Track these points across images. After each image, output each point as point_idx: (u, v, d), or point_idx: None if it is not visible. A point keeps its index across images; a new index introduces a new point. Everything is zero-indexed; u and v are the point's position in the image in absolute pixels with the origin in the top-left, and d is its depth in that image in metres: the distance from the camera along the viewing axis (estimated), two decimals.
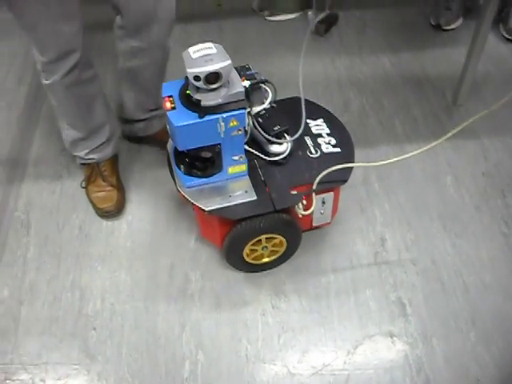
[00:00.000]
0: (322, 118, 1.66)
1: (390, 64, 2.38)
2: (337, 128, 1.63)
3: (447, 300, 1.62)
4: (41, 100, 2.24)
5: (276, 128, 1.46)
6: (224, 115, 1.30)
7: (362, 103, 2.22)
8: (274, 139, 1.46)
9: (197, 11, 2.69)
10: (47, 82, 1.59)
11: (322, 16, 2.55)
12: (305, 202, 1.45)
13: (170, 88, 1.35)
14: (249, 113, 1.39)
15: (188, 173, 1.46)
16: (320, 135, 1.60)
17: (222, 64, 1.24)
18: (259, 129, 1.45)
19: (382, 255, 1.72)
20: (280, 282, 1.66)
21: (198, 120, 1.29)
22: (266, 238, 1.53)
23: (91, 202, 1.84)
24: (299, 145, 1.55)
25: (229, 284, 1.66)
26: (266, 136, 1.45)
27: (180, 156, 1.46)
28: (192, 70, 1.23)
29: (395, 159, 1.44)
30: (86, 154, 1.82)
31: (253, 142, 1.51)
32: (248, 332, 1.56)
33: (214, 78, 1.25)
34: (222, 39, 2.47)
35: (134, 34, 1.63)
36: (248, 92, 1.35)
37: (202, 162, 1.45)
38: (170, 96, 1.34)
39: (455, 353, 1.52)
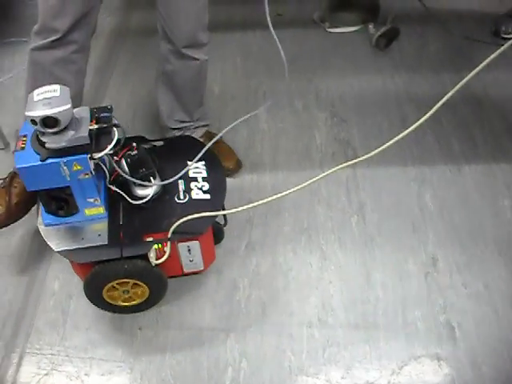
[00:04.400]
0: (205, 160, 1.57)
1: (451, 81, 2.34)
2: (215, 173, 1.57)
3: (499, 327, 1.57)
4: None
5: (141, 170, 1.43)
6: (65, 159, 1.29)
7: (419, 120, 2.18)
8: (138, 181, 1.41)
9: (256, 20, 2.71)
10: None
11: (383, 30, 2.53)
12: (167, 249, 1.40)
13: (28, 128, 1.33)
14: (115, 154, 1.37)
15: (49, 211, 1.45)
16: (195, 179, 1.54)
17: (58, 109, 1.23)
18: (125, 170, 1.42)
19: (432, 276, 1.68)
20: (328, 295, 1.65)
21: (39, 163, 1.28)
22: (128, 283, 1.47)
23: None
24: (170, 188, 1.50)
25: (276, 294, 1.66)
26: (128, 178, 1.40)
27: (41, 194, 1.42)
28: (28, 114, 1.23)
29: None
30: None
31: (122, 182, 1.47)
32: (293, 343, 1.55)
33: (51, 122, 1.24)
34: (280, 49, 2.49)
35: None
36: (94, 136, 1.31)
37: (57, 202, 1.42)
38: (25, 136, 1.34)
39: None
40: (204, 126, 1.95)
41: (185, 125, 1.90)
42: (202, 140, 1.89)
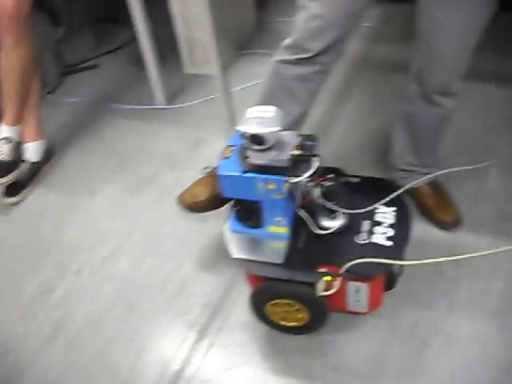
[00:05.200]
0: (396, 207, 1.52)
1: None
2: (404, 222, 1.50)
3: None
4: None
5: (331, 203, 1.42)
6: (262, 177, 1.34)
7: None
8: (341, 209, 1.42)
9: (507, 71, 2.58)
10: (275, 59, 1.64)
11: None
12: (336, 284, 1.38)
13: (237, 140, 1.41)
14: (311, 180, 1.38)
15: (238, 219, 1.52)
16: (380, 224, 1.49)
17: (267, 129, 1.29)
18: (318, 199, 1.42)
19: None
20: None
21: (239, 174, 1.36)
22: (289, 304, 1.48)
23: None
24: (354, 227, 1.48)
25: None
26: (332, 206, 1.42)
27: (236, 201, 1.50)
28: (240, 128, 1.31)
29: None
30: None
31: (310, 209, 1.49)
32: None
33: (258, 140, 1.31)
34: None
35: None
36: (293, 161, 1.34)
37: (247, 213, 1.48)
38: (233, 146, 1.43)
39: None
40: (432, 173, 1.87)
41: (413, 168, 1.86)
42: (427, 188, 1.87)
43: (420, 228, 1.85)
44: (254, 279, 1.55)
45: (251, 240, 1.52)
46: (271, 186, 1.36)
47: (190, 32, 2.66)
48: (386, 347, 1.58)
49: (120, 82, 2.91)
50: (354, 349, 1.58)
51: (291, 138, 1.39)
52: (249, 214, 1.49)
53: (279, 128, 1.32)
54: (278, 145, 1.34)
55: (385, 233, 1.47)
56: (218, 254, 1.85)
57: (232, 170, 1.38)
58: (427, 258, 1.29)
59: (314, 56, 1.54)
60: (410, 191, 1.90)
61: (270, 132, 1.31)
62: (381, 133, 2.20)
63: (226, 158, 1.42)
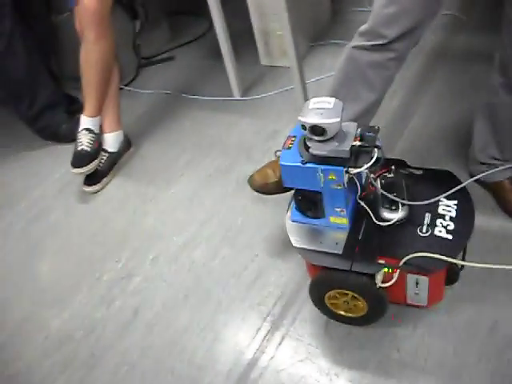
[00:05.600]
0: (458, 200, 1.49)
1: None
2: (466, 216, 1.47)
3: None
4: None
5: (393, 194, 1.42)
6: (323, 167, 1.35)
7: None
8: (403, 200, 1.41)
9: None
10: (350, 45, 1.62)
11: None
12: (395, 275, 1.38)
13: (298, 130, 1.40)
14: (372, 172, 1.38)
15: (298, 209, 1.52)
16: (442, 216, 1.47)
17: (327, 120, 1.29)
18: (379, 190, 1.42)
19: None
20: None
21: (300, 164, 1.37)
22: (348, 295, 1.48)
23: None
24: (415, 218, 1.47)
25: None
26: (393, 197, 1.42)
27: (297, 192, 1.50)
28: (301, 118, 1.31)
29: None
30: None
31: (371, 201, 1.49)
32: None
33: (319, 130, 1.30)
34: None
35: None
36: (354, 152, 1.34)
37: (307, 204, 1.49)
38: (294, 136, 1.45)
39: None
40: (509, 168, 1.80)
41: (494, 162, 1.80)
42: (509, 182, 1.81)
43: (500, 223, 1.80)
44: (314, 269, 1.55)
45: (311, 230, 1.53)
46: (331, 177, 1.37)
47: (265, 24, 2.68)
48: (465, 346, 1.53)
49: (196, 73, 2.95)
50: (430, 345, 1.55)
51: (352, 129, 1.38)
52: (309, 204, 1.50)
53: (339, 119, 1.31)
54: (338, 136, 1.35)
55: (446, 226, 1.45)
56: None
57: (293, 160, 1.40)
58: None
59: (389, 42, 1.51)
60: (490, 186, 1.87)
61: (331, 123, 1.30)
62: (461, 125, 2.14)
63: (288, 148, 1.43)
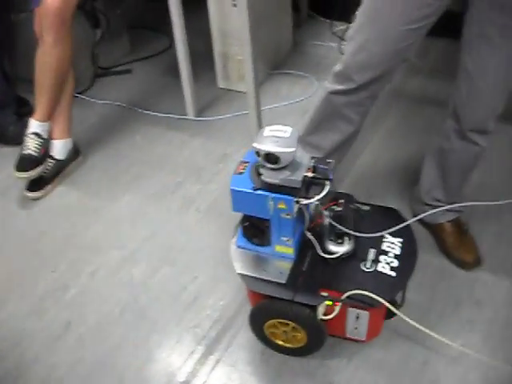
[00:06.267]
0: (402, 238, 1.53)
1: None
2: (409, 254, 1.50)
3: None
4: None
5: (340, 228, 1.43)
6: (273, 195, 1.35)
7: None
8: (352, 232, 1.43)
9: None
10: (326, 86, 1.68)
11: None
12: (336, 309, 1.39)
13: (251, 157, 1.40)
14: (321, 204, 1.40)
15: (245, 235, 1.52)
16: (386, 253, 1.50)
17: (282, 149, 1.29)
18: (327, 223, 1.44)
19: None
20: None
21: (250, 191, 1.36)
22: (288, 325, 1.48)
23: None
24: (359, 253, 1.49)
25: None
26: (344, 229, 1.43)
27: (245, 218, 1.51)
28: (255, 145, 1.31)
29: None
30: None
31: (317, 233, 1.50)
32: None
33: (273, 158, 1.30)
34: None
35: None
36: (306, 183, 1.35)
37: (254, 230, 1.49)
38: (247, 162, 1.44)
39: None
40: (458, 211, 1.86)
41: (439, 204, 1.83)
42: (449, 224, 1.86)
43: (438, 263, 1.85)
44: (255, 297, 1.55)
45: (256, 257, 1.53)
46: (281, 206, 1.37)
47: (226, 47, 2.70)
48: (396, 381, 1.55)
49: (152, 89, 2.92)
50: (362, 379, 1.56)
51: (305, 160, 1.39)
52: (256, 231, 1.50)
53: (294, 149, 1.32)
54: (291, 165, 1.35)
55: (390, 263, 1.48)
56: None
57: (244, 186, 1.39)
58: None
59: (361, 86, 1.57)
60: (430, 226, 1.92)
61: (286, 152, 1.31)
62: (409, 164, 2.19)
63: (240, 173, 1.43)
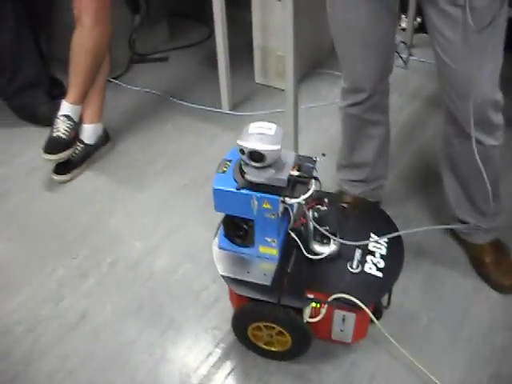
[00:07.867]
0: (389, 239, 1.49)
1: None
2: (395, 254, 1.47)
3: None
4: None
5: (325, 228, 1.37)
6: (258, 195, 1.30)
7: None
8: (335, 238, 1.39)
9: None
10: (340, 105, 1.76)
11: None
12: (323, 311, 1.35)
13: (235, 154, 1.35)
14: (306, 203, 1.35)
15: (227, 236, 1.46)
16: (372, 253, 1.46)
17: (267, 147, 1.24)
18: (311, 223, 1.38)
19: None
20: None
21: (234, 190, 1.31)
22: (274, 328, 1.43)
23: None
24: (346, 254, 1.44)
25: None
26: (321, 230, 1.37)
27: (227, 218, 1.44)
28: (240, 142, 1.26)
29: None
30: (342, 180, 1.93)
31: (302, 233, 1.45)
32: None
33: (257, 156, 1.25)
34: None
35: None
36: (291, 182, 1.30)
37: (238, 230, 1.43)
38: (230, 160, 1.38)
39: None
40: (492, 230, 1.75)
41: (472, 220, 1.70)
42: (487, 245, 1.77)
43: (472, 285, 1.77)
44: (238, 299, 1.49)
45: (239, 258, 1.47)
46: (266, 205, 1.33)
47: (266, 41, 2.63)
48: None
49: (187, 79, 2.88)
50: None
51: (290, 158, 1.34)
52: (239, 231, 1.44)
53: (279, 146, 1.27)
54: (276, 164, 1.30)
55: (376, 263, 1.44)
56: None
57: (227, 185, 1.34)
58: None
59: (373, 91, 1.64)
60: (465, 243, 1.82)
61: (271, 149, 1.26)
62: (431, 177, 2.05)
63: (222, 172, 1.37)
